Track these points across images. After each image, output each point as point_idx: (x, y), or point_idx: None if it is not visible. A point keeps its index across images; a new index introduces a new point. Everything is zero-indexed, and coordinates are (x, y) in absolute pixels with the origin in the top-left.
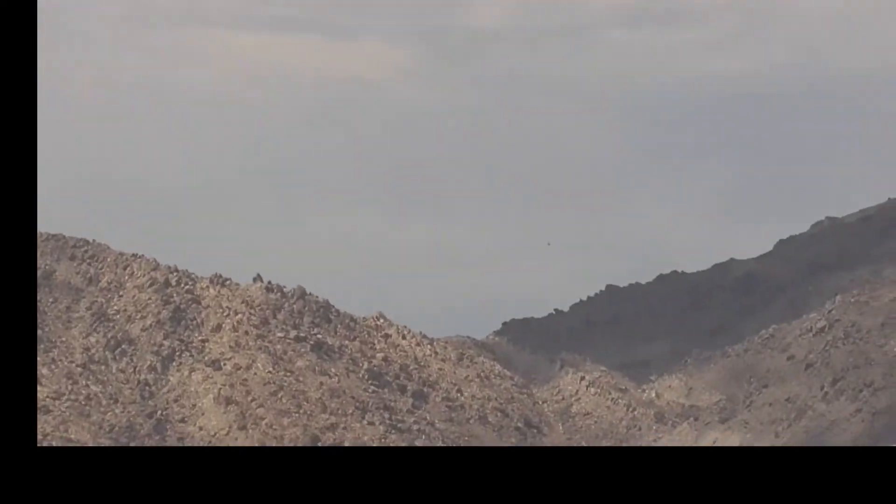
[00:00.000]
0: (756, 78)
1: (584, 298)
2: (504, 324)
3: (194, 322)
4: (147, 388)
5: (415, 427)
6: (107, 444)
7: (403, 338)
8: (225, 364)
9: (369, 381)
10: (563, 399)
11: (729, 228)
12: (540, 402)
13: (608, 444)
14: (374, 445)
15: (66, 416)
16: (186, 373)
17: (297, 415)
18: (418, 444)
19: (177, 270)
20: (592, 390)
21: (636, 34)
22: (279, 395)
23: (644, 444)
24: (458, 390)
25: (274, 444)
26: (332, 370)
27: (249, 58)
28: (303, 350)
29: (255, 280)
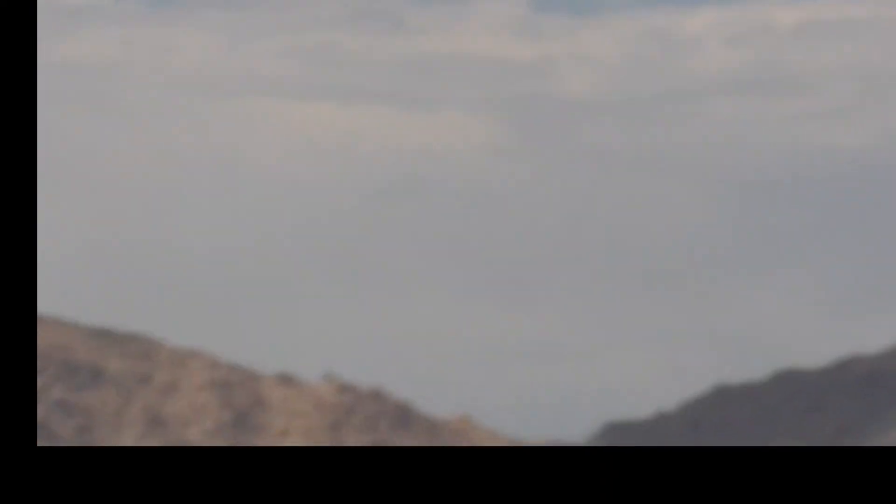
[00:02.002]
0: (878, 150)
1: (690, 398)
2: (604, 426)
3: (259, 427)
4: None
5: None
6: None
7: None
8: None
9: None
10: None
11: (850, 320)
12: None
13: None
14: None
15: None
16: None
17: None
18: None
19: (239, 368)
20: None
21: (743, 103)
22: None
23: None
24: None
25: None
26: None
27: (316, 130)
28: None
29: (325, 378)
